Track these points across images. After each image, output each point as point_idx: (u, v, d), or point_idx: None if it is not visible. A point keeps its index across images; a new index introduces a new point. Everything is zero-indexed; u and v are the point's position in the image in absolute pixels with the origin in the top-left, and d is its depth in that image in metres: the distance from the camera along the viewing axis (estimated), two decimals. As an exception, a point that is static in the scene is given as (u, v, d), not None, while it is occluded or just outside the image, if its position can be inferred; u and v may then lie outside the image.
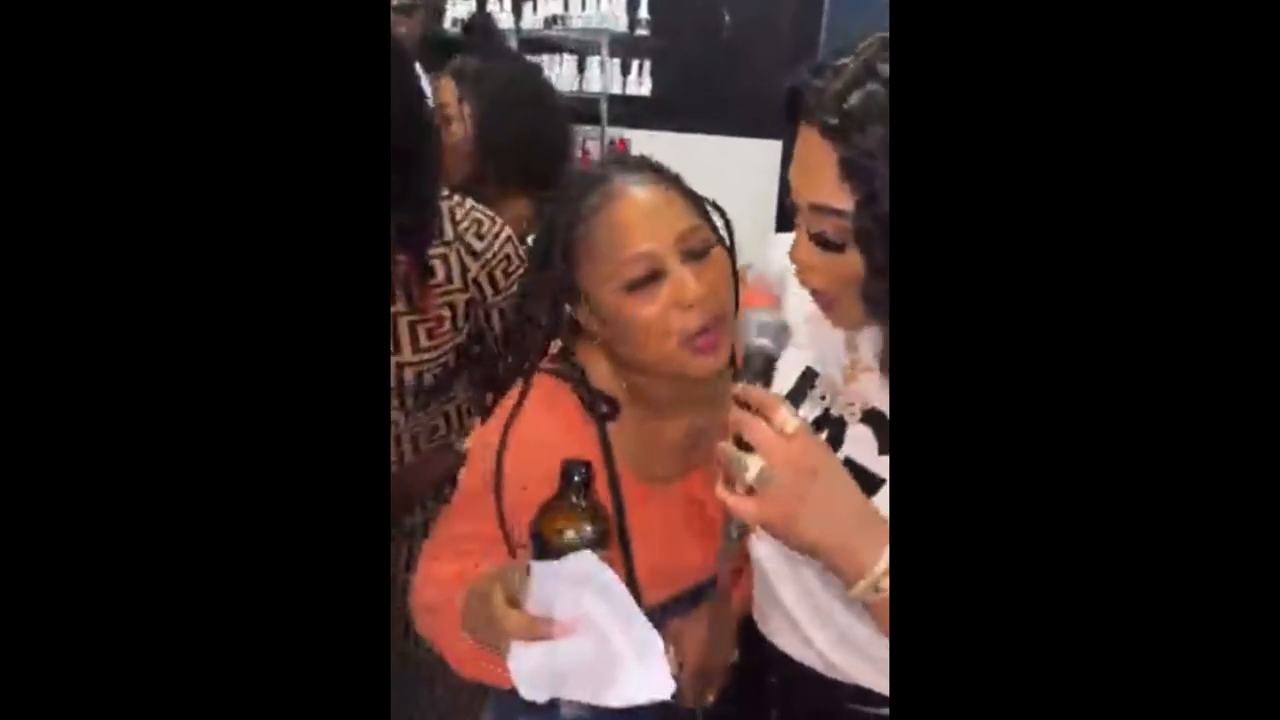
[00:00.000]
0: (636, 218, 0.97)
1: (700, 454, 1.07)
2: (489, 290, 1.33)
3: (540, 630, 0.82)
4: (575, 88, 3.92)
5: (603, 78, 3.87)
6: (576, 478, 0.85)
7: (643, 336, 0.97)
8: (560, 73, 3.94)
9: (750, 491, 0.71)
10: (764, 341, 0.80)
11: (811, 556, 0.74)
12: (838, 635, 0.86)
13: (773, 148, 3.48)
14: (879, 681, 0.85)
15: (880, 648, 0.82)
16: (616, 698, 0.82)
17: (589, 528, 0.84)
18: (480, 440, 1.06)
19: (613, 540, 0.91)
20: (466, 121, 1.82)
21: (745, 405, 0.73)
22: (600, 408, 1.04)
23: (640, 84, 3.89)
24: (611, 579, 0.81)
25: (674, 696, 1.15)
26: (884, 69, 0.69)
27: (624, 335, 1.00)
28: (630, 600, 0.82)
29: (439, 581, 1.01)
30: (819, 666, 0.89)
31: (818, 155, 0.72)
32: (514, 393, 1.04)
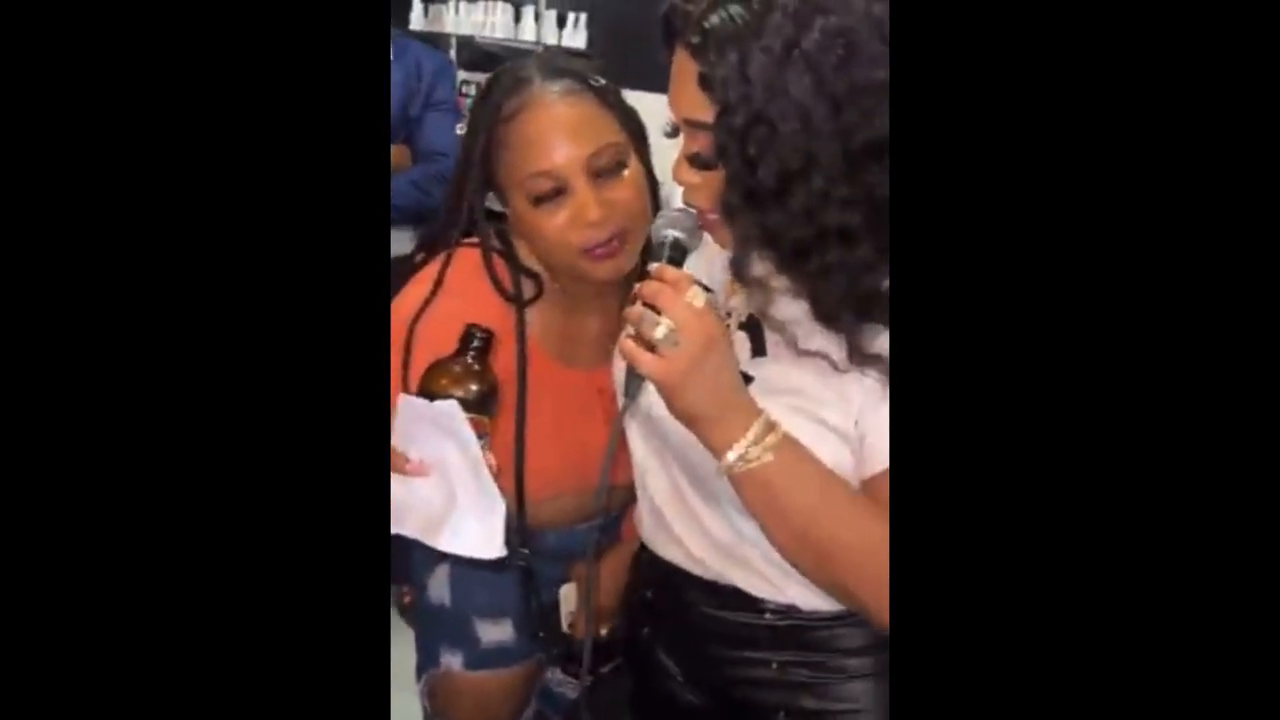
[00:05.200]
0: (548, 132, 0.99)
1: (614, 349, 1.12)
2: None
3: (397, 464, 0.87)
4: (510, 36, 3.91)
5: (537, 28, 3.88)
6: (475, 340, 0.90)
7: (544, 245, 1.02)
8: (495, 21, 3.93)
9: (652, 350, 0.78)
10: (673, 231, 0.86)
11: (689, 424, 0.81)
12: (702, 532, 0.94)
13: (704, 106, 3.53)
14: (743, 580, 0.92)
15: (743, 548, 0.91)
16: (445, 543, 0.88)
17: (474, 387, 0.89)
18: (399, 304, 1.06)
19: (501, 411, 0.97)
20: None
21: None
22: (520, 286, 1.07)
23: (576, 36, 3.90)
24: (471, 436, 0.86)
25: (569, 627, 1.21)
26: None
27: (530, 239, 1.05)
28: (482, 460, 0.87)
29: None
30: (687, 564, 0.96)
31: (684, 72, 0.79)
32: (436, 263, 1.06)
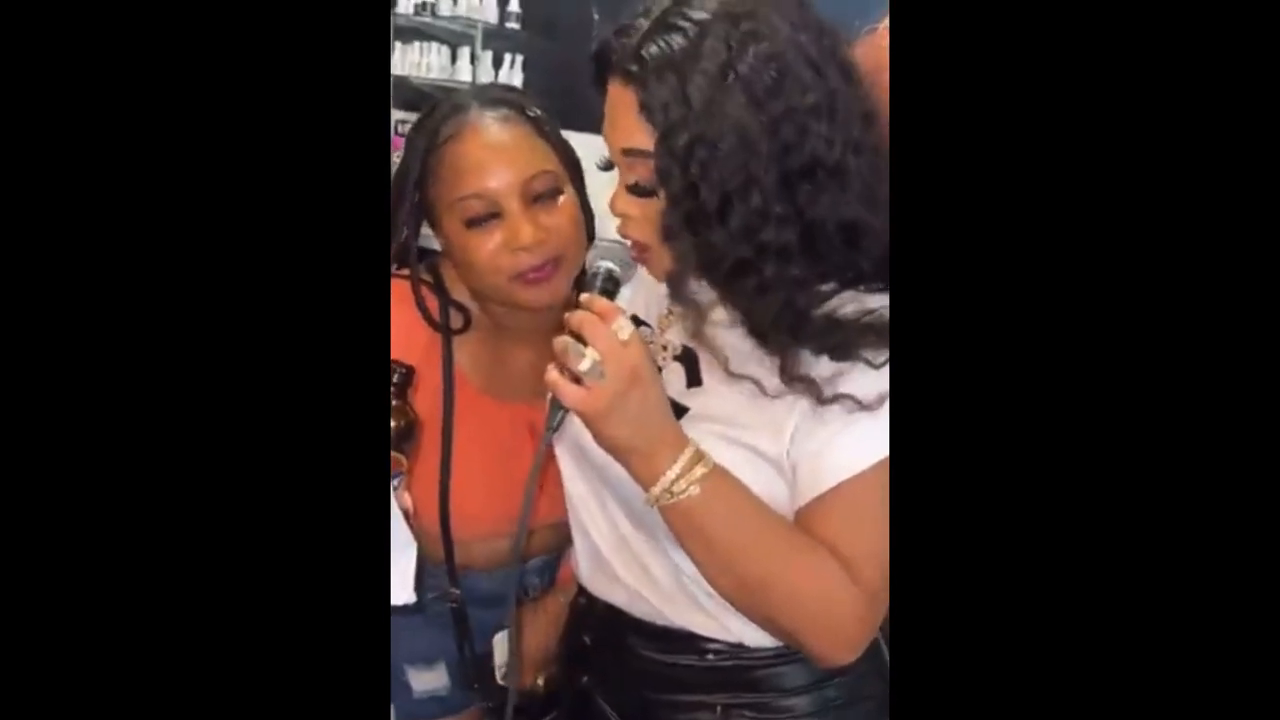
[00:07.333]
0: (483, 155, 1.00)
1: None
2: None
3: None
4: (446, 76, 3.92)
5: (473, 69, 3.89)
6: (394, 376, 0.90)
7: (477, 271, 1.02)
8: (430, 61, 3.93)
9: (577, 381, 0.77)
10: (605, 262, 0.86)
11: (615, 455, 0.81)
12: (642, 571, 0.92)
13: (640, 146, 3.56)
14: (687, 618, 0.91)
15: (687, 586, 0.89)
16: None
17: (389, 423, 0.89)
18: None
19: (426, 446, 0.97)
20: None
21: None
22: (449, 316, 1.07)
23: (512, 77, 3.91)
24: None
25: (505, 679, 1.16)
26: (678, 21, 0.78)
27: (461, 265, 1.04)
28: (395, 505, 0.85)
29: None
30: (627, 606, 0.94)
31: (621, 103, 0.80)
32: None
